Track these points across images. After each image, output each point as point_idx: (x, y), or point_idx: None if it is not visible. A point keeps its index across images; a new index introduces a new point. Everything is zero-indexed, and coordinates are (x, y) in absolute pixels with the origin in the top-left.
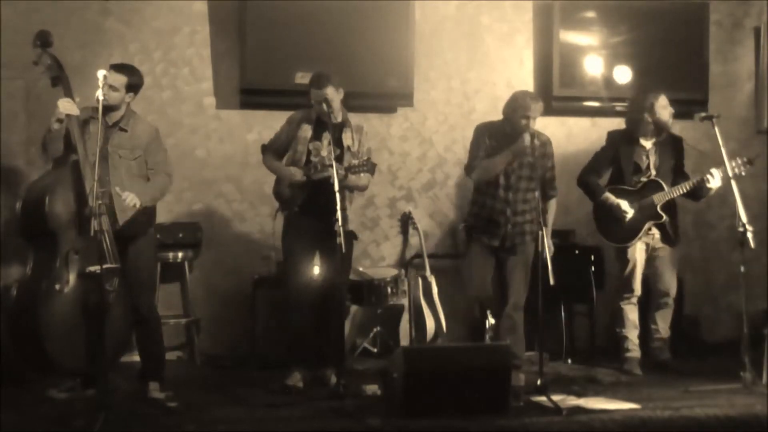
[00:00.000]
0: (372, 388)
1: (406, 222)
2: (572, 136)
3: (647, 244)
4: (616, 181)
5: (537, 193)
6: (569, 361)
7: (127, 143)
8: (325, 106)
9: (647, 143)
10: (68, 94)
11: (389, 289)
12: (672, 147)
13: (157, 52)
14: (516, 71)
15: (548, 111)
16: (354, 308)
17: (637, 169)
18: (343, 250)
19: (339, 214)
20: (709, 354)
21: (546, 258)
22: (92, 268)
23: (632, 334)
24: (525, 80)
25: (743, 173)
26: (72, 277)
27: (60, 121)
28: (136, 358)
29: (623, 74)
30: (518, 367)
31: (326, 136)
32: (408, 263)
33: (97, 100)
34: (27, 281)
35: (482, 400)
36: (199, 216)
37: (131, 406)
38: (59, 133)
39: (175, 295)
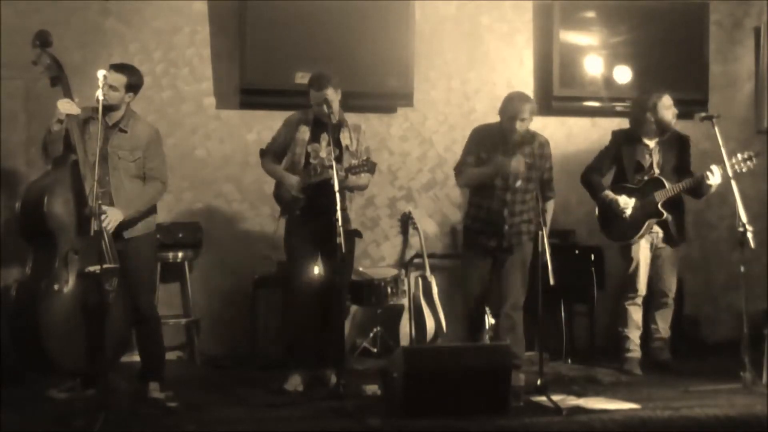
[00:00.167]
0: (372, 388)
1: (406, 222)
2: (572, 136)
3: (651, 243)
4: (619, 180)
5: (535, 194)
6: (569, 361)
7: (126, 144)
8: (325, 108)
9: (650, 142)
10: (68, 94)
11: (389, 289)
12: (677, 145)
13: (157, 52)
14: (516, 71)
15: (548, 111)
16: (354, 308)
17: (640, 167)
18: (344, 250)
19: (339, 214)
20: (709, 354)
21: (546, 258)
22: (92, 268)
23: (634, 334)
24: (525, 80)
25: (745, 169)
26: (71, 277)
27: (60, 122)
28: (136, 358)
29: (623, 74)
30: (518, 367)
31: (324, 137)
32: (408, 263)
33: (97, 100)
34: (26, 281)
35: (482, 400)
36: (199, 216)
37: (131, 406)
38: (59, 133)
39: (175, 295)
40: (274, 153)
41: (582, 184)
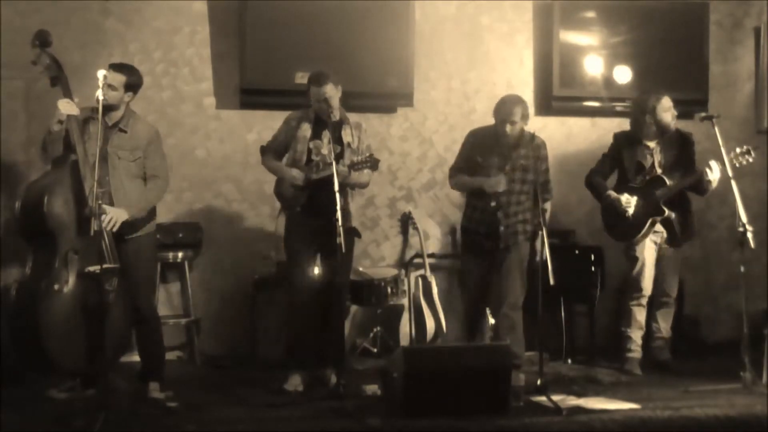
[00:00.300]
0: (372, 388)
1: (406, 222)
2: (572, 136)
3: (656, 243)
4: (622, 181)
5: (531, 195)
6: (569, 361)
7: (126, 144)
8: (324, 105)
9: (651, 143)
10: (67, 94)
11: (389, 289)
12: (678, 144)
13: (157, 52)
14: (516, 71)
15: (548, 111)
16: (354, 308)
17: (641, 168)
18: (343, 250)
19: (339, 213)
20: (709, 354)
21: (546, 258)
22: (92, 268)
23: (636, 334)
24: (525, 80)
25: (744, 163)
26: (71, 277)
27: (60, 122)
28: (136, 358)
29: (623, 74)
30: (518, 367)
31: (326, 135)
32: (408, 263)
33: (97, 100)
34: (26, 281)
35: (482, 400)
36: (199, 216)
37: (131, 406)
38: (59, 134)
39: (175, 295)
40: (275, 150)
41: (586, 187)
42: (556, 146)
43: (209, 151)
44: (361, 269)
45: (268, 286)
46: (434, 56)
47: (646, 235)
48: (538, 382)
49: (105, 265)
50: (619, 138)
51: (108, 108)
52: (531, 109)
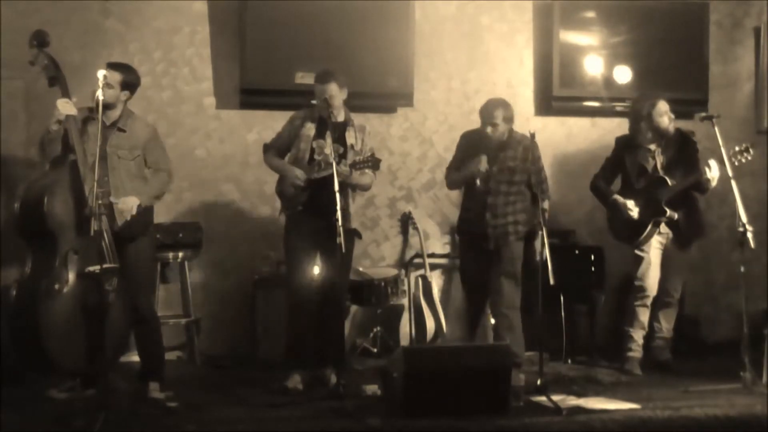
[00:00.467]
0: (372, 388)
1: (406, 222)
2: (572, 136)
3: (662, 243)
4: (626, 184)
5: (525, 196)
6: (569, 361)
7: (125, 143)
8: (325, 103)
9: (652, 145)
10: (65, 93)
11: (389, 289)
12: (680, 144)
13: (157, 52)
14: (516, 71)
15: (548, 111)
16: (354, 308)
17: (643, 171)
18: (343, 250)
19: (339, 213)
20: (709, 354)
21: (546, 258)
22: (92, 268)
23: (638, 334)
24: (525, 80)
25: (744, 161)
26: (71, 277)
27: (59, 122)
28: (136, 358)
29: (623, 74)
30: (518, 366)
31: (329, 134)
32: (408, 263)
33: (97, 99)
34: (26, 281)
35: (482, 400)
36: (199, 216)
37: (131, 406)
38: (57, 134)
39: (175, 295)
40: (277, 148)
41: (592, 192)
42: (556, 146)
43: (209, 151)
44: (361, 269)
45: (268, 286)
46: (434, 56)
47: (649, 236)
48: (538, 382)
49: (105, 265)
50: (621, 142)
51: (105, 107)
52: (531, 109)
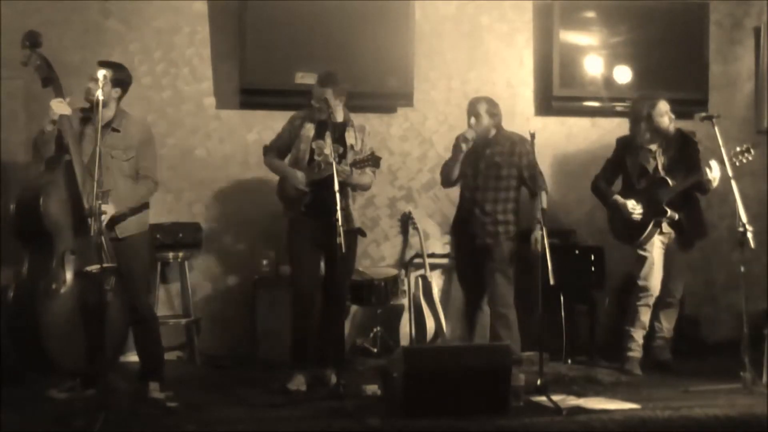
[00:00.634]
0: (372, 388)
1: (406, 222)
2: (572, 136)
3: (664, 243)
4: (627, 185)
5: (514, 195)
6: (569, 361)
7: (120, 144)
8: (323, 105)
9: (653, 146)
10: (59, 94)
11: (389, 289)
12: (680, 145)
13: (157, 52)
14: (516, 71)
15: (548, 111)
16: (354, 308)
17: (644, 171)
18: (343, 250)
19: (339, 214)
20: (709, 354)
21: (546, 257)
22: (91, 268)
23: (638, 334)
24: (525, 80)
25: (744, 161)
26: (69, 277)
27: (53, 122)
28: (136, 358)
29: (623, 74)
30: (518, 363)
31: (329, 135)
32: (408, 263)
33: (97, 99)
34: (24, 282)
35: (482, 400)
36: (199, 216)
37: (131, 406)
38: (51, 134)
39: (175, 295)
40: (277, 149)
41: (593, 193)
42: (556, 146)
43: (209, 151)
44: (361, 269)
45: (268, 286)
46: (434, 56)
47: (650, 236)
48: (538, 382)
49: (103, 265)
50: (622, 143)
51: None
52: (531, 109)
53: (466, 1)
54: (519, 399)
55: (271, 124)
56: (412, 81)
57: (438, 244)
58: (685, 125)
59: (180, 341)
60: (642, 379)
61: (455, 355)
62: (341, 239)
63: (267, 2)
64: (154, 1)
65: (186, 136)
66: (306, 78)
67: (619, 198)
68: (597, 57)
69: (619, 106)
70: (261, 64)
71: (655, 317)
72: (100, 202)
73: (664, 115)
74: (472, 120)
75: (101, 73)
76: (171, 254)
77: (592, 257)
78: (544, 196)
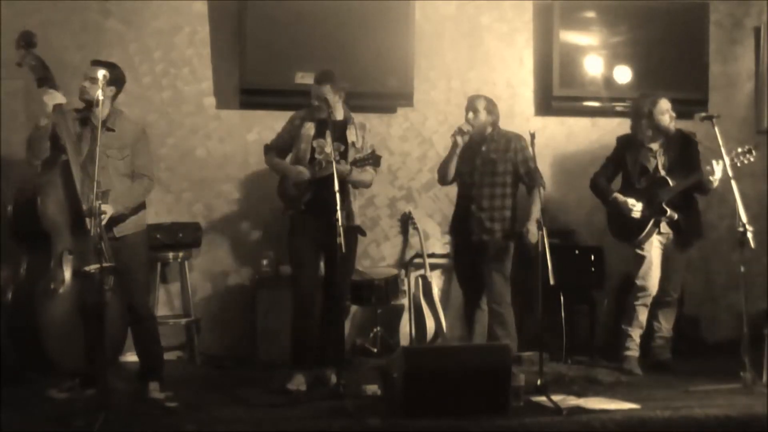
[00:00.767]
0: (372, 388)
1: (406, 222)
2: (572, 136)
3: (662, 243)
4: (626, 184)
5: (508, 189)
6: (569, 361)
7: (115, 143)
8: (323, 104)
9: (654, 145)
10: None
11: (389, 289)
12: (681, 145)
13: (157, 52)
14: (516, 71)
15: (548, 111)
16: (354, 308)
17: (645, 170)
18: (343, 250)
19: (339, 213)
20: (709, 354)
21: (546, 257)
22: (90, 268)
23: (636, 333)
24: (525, 80)
25: (746, 162)
26: (67, 277)
27: (48, 116)
28: (136, 358)
29: (623, 74)
30: (515, 361)
31: (330, 133)
32: (408, 263)
33: (97, 99)
34: (22, 282)
35: (482, 400)
36: (199, 216)
37: (131, 406)
38: (46, 129)
39: (175, 295)
40: (278, 149)
41: (591, 190)
42: (556, 146)
43: (209, 151)
44: (361, 269)
45: (268, 286)
46: (434, 56)
47: (649, 236)
48: (538, 382)
49: (101, 264)
50: (622, 141)
51: (92, 104)
52: (531, 109)
53: (466, 1)
54: (519, 399)
55: (271, 124)
56: (412, 81)
57: (438, 244)
58: (685, 125)
59: (180, 341)
60: (642, 379)
61: (455, 355)
62: (341, 239)
63: (267, 2)
64: (154, 1)
65: (186, 136)
66: (306, 78)
67: (619, 196)
68: (597, 57)
69: (619, 106)
70: (261, 64)
71: (653, 317)
72: (100, 202)
73: (665, 113)
74: (470, 115)
75: (101, 73)
76: (171, 254)
77: (592, 257)
78: (540, 192)
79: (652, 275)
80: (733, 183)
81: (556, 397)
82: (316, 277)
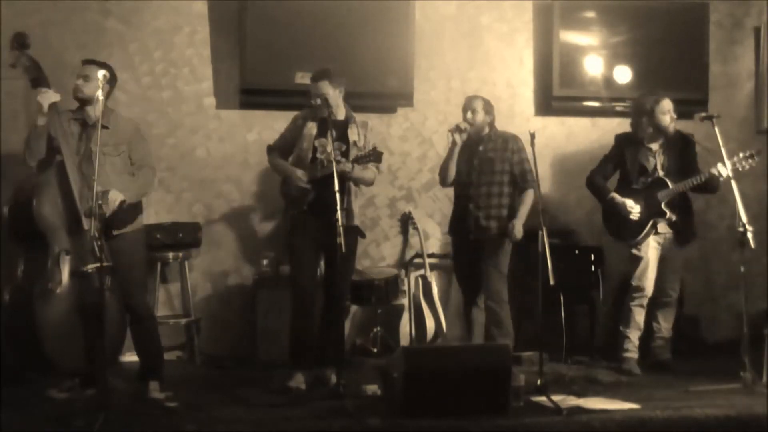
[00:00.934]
0: (372, 388)
1: (406, 222)
2: (572, 136)
3: (659, 243)
4: (623, 182)
5: (506, 188)
6: (569, 361)
7: (110, 140)
8: (319, 101)
9: (654, 145)
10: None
11: (389, 289)
12: (680, 146)
13: (157, 52)
14: (516, 71)
15: (548, 111)
16: (354, 308)
17: (644, 170)
18: (343, 250)
19: (339, 213)
20: (709, 354)
21: (546, 257)
22: (88, 267)
23: (634, 335)
24: (525, 80)
25: (747, 167)
26: (65, 277)
27: (44, 114)
28: (135, 358)
29: (623, 74)
30: (517, 361)
31: (331, 133)
32: (408, 263)
33: (97, 98)
34: (20, 283)
35: (482, 400)
36: (199, 216)
37: (131, 406)
38: (44, 129)
39: (175, 295)
40: (281, 149)
41: (587, 188)
42: (556, 146)
43: (209, 151)
44: (361, 269)
45: (268, 286)
46: (434, 56)
47: (646, 236)
48: (538, 382)
49: (99, 264)
50: (621, 139)
51: (86, 102)
52: (531, 109)
53: (466, 1)
54: (519, 399)
55: (271, 124)
56: (412, 81)
57: (438, 244)
58: (685, 125)
59: (180, 341)
60: (642, 379)
61: (455, 355)
62: (341, 239)
63: (267, 2)
64: (154, 1)
65: (186, 136)
66: (306, 78)
67: (616, 196)
68: (597, 57)
69: (619, 106)
70: (261, 64)
71: (653, 317)
72: (100, 202)
73: (667, 113)
74: (469, 114)
75: (101, 73)
76: (171, 254)
77: (592, 257)
78: (530, 194)
79: (648, 276)
80: (733, 183)
81: (556, 397)
82: (316, 277)
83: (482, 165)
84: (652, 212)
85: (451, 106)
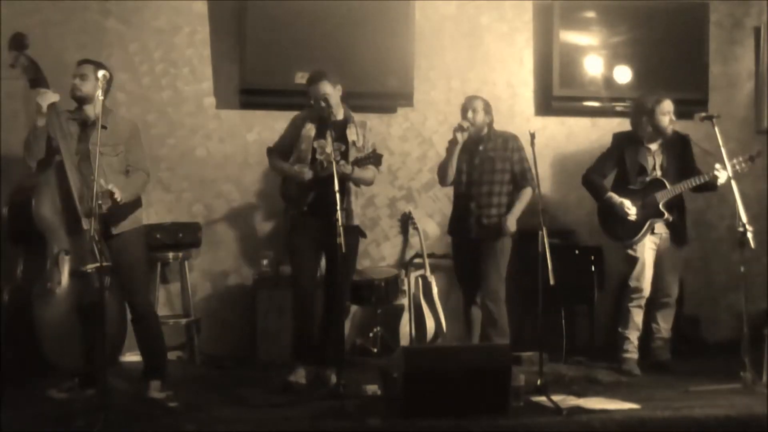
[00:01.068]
0: (372, 388)
1: (406, 222)
2: (572, 136)
3: (656, 244)
4: (620, 182)
5: (506, 187)
6: (569, 361)
7: (108, 140)
8: (322, 103)
9: (653, 145)
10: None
11: (389, 289)
12: (678, 146)
13: (157, 52)
14: (516, 71)
15: (548, 111)
16: (354, 308)
17: (642, 170)
18: (343, 250)
19: (339, 213)
20: (709, 354)
21: (546, 257)
22: (87, 267)
23: (633, 335)
24: (525, 80)
25: (746, 169)
26: (64, 277)
27: (43, 115)
28: (137, 357)
29: (623, 74)
30: (516, 361)
31: (330, 134)
32: (408, 263)
33: (96, 98)
34: (19, 283)
35: (482, 400)
36: (199, 216)
37: (131, 406)
38: (44, 130)
39: (175, 295)
40: (281, 151)
41: (583, 185)
42: (556, 146)
43: (209, 151)
44: (361, 269)
45: (268, 286)
46: (434, 56)
47: (643, 237)
48: (538, 382)
49: (98, 264)
50: (620, 138)
51: (83, 101)
52: (531, 109)
53: (466, 1)
54: (519, 399)
55: (271, 124)
56: (412, 81)
57: (438, 244)
58: (685, 125)
59: (180, 341)
60: (642, 379)
61: (455, 355)
62: (342, 239)
63: (267, 2)
64: (154, 1)
65: (186, 136)
66: (306, 78)
67: (614, 196)
68: (597, 57)
69: (619, 106)
70: (261, 64)
71: (652, 318)
72: (100, 202)
73: (666, 114)
74: (470, 114)
75: (101, 73)
76: (171, 254)
77: (592, 257)
78: (528, 191)
79: (645, 276)
80: (733, 183)
81: (556, 397)
82: (316, 277)
83: (483, 164)
84: (649, 213)
85: (451, 106)
